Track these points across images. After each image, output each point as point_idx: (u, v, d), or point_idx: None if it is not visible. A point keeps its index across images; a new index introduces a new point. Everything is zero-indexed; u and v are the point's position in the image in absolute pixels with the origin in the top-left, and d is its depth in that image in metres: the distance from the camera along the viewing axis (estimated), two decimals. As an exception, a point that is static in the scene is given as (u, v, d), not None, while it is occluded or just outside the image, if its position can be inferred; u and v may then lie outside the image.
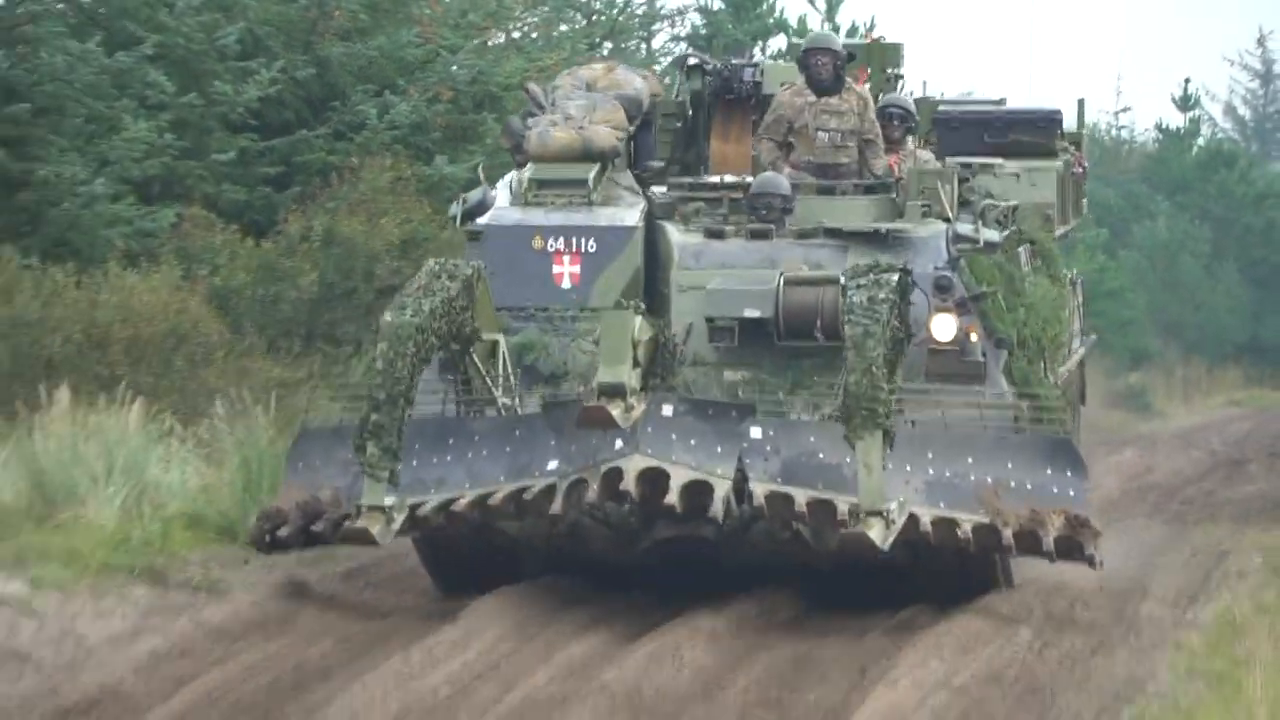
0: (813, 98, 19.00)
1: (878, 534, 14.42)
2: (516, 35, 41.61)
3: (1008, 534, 15.68)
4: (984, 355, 17.17)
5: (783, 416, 16.82)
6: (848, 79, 19.39)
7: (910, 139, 20.42)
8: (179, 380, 23.51)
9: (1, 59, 26.71)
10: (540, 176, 18.46)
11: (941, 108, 23.10)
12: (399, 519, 15.92)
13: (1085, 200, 26.31)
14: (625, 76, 19.69)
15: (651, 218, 17.84)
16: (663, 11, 57.41)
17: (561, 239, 17.73)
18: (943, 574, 17.74)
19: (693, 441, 15.56)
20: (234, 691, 16.59)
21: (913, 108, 20.98)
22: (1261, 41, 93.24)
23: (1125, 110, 77.28)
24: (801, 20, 58.74)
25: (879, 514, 14.36)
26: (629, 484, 14.69)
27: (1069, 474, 16.32)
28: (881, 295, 15.40)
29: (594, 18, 50.19)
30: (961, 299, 16.99)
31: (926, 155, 20.01)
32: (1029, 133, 22.24)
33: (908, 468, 15.89)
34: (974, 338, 17.01)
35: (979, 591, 18.00)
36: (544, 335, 17.44)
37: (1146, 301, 64.06)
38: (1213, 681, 21.15)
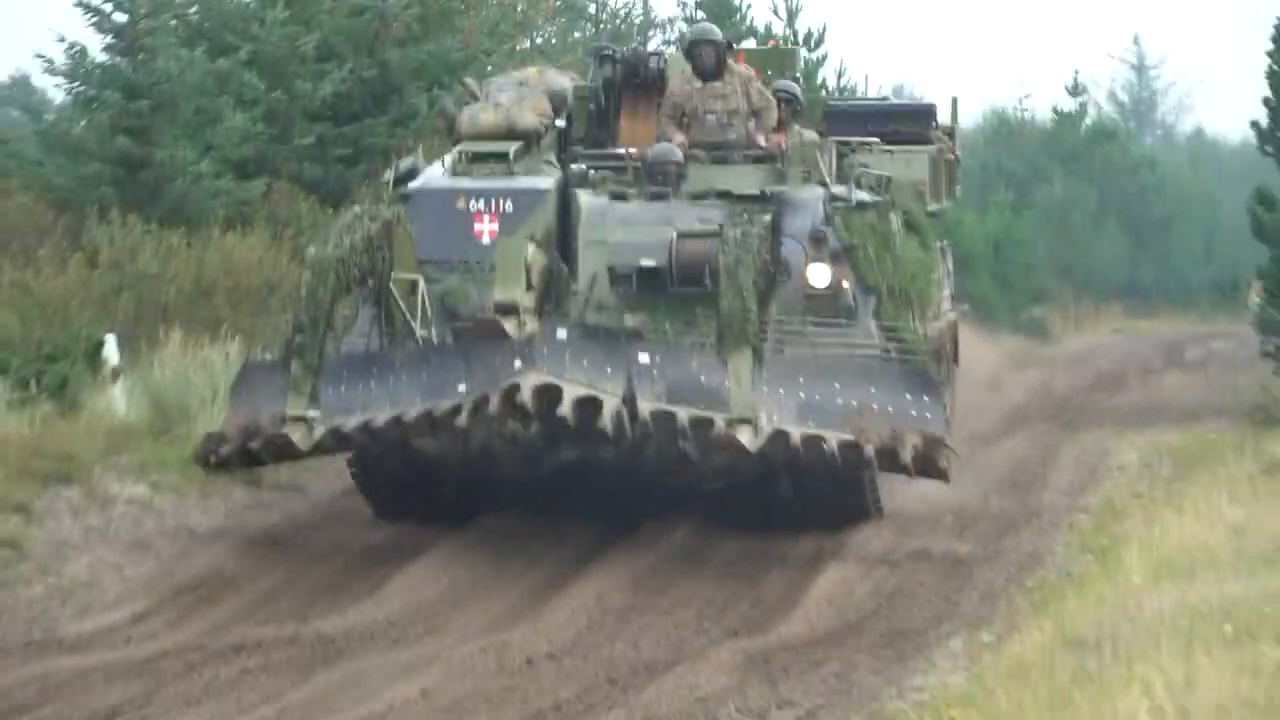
0: (699, 84, 18.78)
1: (747, 438, 14.46)
2: (539, 41, 41.97)
3: (869, 450, 15.40)
4: (854, 300, 17.02)
5: (668, 345, 16.55)
6: (730, 62, 19.12)
7: (797, 120, 19.94)
8: (270, 321, 23.21)
9: (126, 65, 27.28)
10: (468, 149, 18.30)
11: (832, 103, 23.28)
12: (320, 429, 15.69)
13: (959, 185, 25.86)
14: (553, 76, 19.62)
15: (566, 186, 17.60)
16: (655, 20, 57.02)
17: (481, 200, 17.56)
18: (819, 501, 17.59)
19: (585, 362, 15.39)
20: (314, 571, 17.23)
21: (798, 91, 20.57)
22: (1136, 40, 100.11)
23: (1028, 97, 78.71)
24: (768, 28, 58.31)
25: (748, 421, 14.43)
26: (525, 398, 14.58)
27: (926, 399, 16.05)
28: (753, 231, 15.59)
29: (601, 25, 49.84)
30: (835, 251, 16.92)
31: (810, 133, 19.44)
32: (906, 123, 22.21)
33: (781, 391, 15.71)
34: (845, 284, 16.89)
35: (854, 518, 18.05)
36: (464, 284, 17.20)
37: (1045, 249, 64.70)
38: (1099, 555, 21.39)
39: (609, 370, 15.26)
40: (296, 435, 15.43)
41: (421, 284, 16.59)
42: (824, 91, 54.17)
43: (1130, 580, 17.86)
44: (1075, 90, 75.14)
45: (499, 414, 14.81)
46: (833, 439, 15.13)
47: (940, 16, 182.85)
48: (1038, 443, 34.72)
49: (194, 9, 29.94)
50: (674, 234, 16.63)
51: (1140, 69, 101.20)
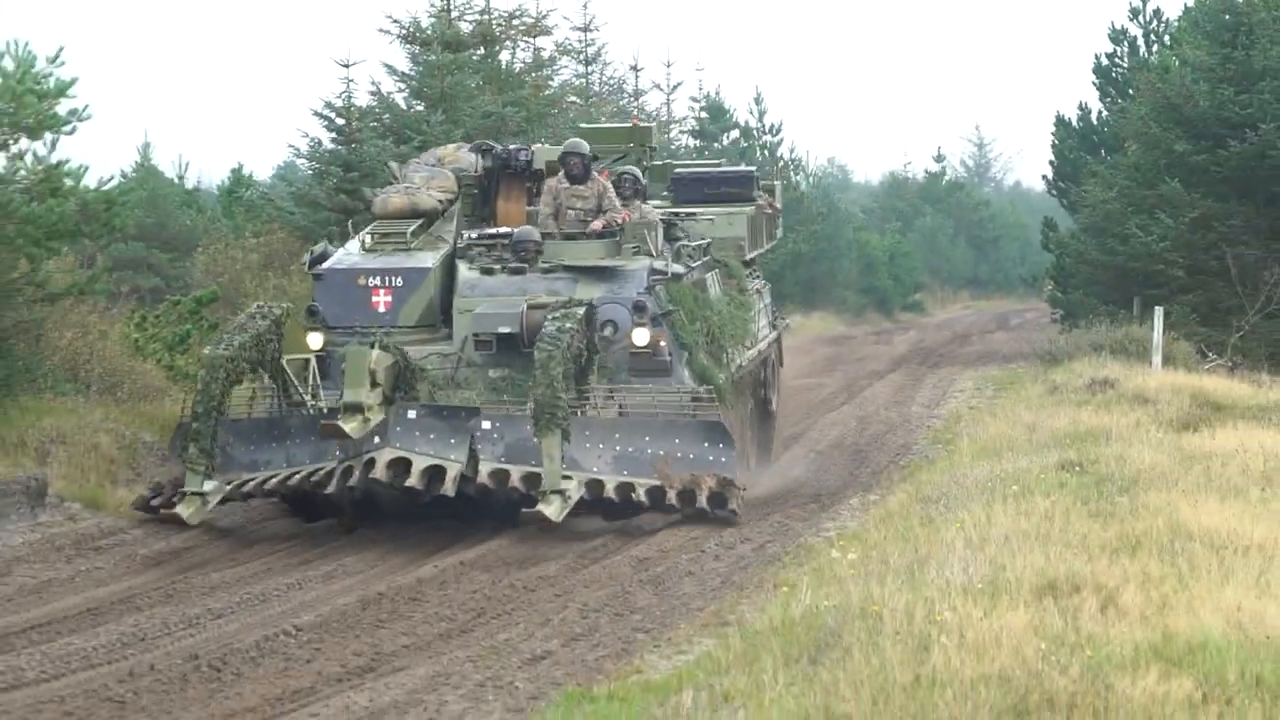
0: (567, 184, 16.55)
1: (553, 510, 12.93)
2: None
3: (672, 494, 13.78)
4: (670, 356, 15.03)
5: (506, 414, 14.63)
6: (594, 172, 16.82)
7: (638, 197, 17.14)
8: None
9: (345, 150, 25.59)
10: (377, 231, 16.09)
11: (677, 170, 20.47)
12: (213, 501, 13.90)
13: (779, 230, 23.25)
14: (465, 155, 17.27)
15: (452, 259, 15.63)
16: (674, 117, 53.70)
17: (377, 277, 15.34)
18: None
19: (432, 436, 13.81)
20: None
21: (639, 175, 17.69)
22: (977, 127, 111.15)
23: (909, 163, 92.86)
24: (746, 123, 57.39)
25: (559, 493, 12.94)
26: (379, 471, 13.21)
27: (721, 446, 14.16)
28: (567, 325, 13.77)
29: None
30: (654, 316, 14.85)
31: (649, 208, 17.21)
32: (733, 186, 19.32)
33: (600, 446, 14.11)
34: (663, 344, 14.89)
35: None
36: (363, 346, 14.52)
37: (921, 258, 67.67)
38: (944, 444, 22.29)
39: (453, 441, 13.77)
40: (188, 511, 13.65)
41: (313, 361, 14.70)
42: (780, 163, 56.10)
43: (961, 460, 18.42)
44: (939, 158, 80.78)
45: (359, 483, 13.50)
46: (641, 485, 13.75)
47: (857, 111, 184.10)
48: (910, 376, 36.42)
49: (385, 115, 27.78)
50: (525, 305, 14.85)
51: (980, 144, 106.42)
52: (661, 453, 13.97)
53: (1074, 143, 40.50)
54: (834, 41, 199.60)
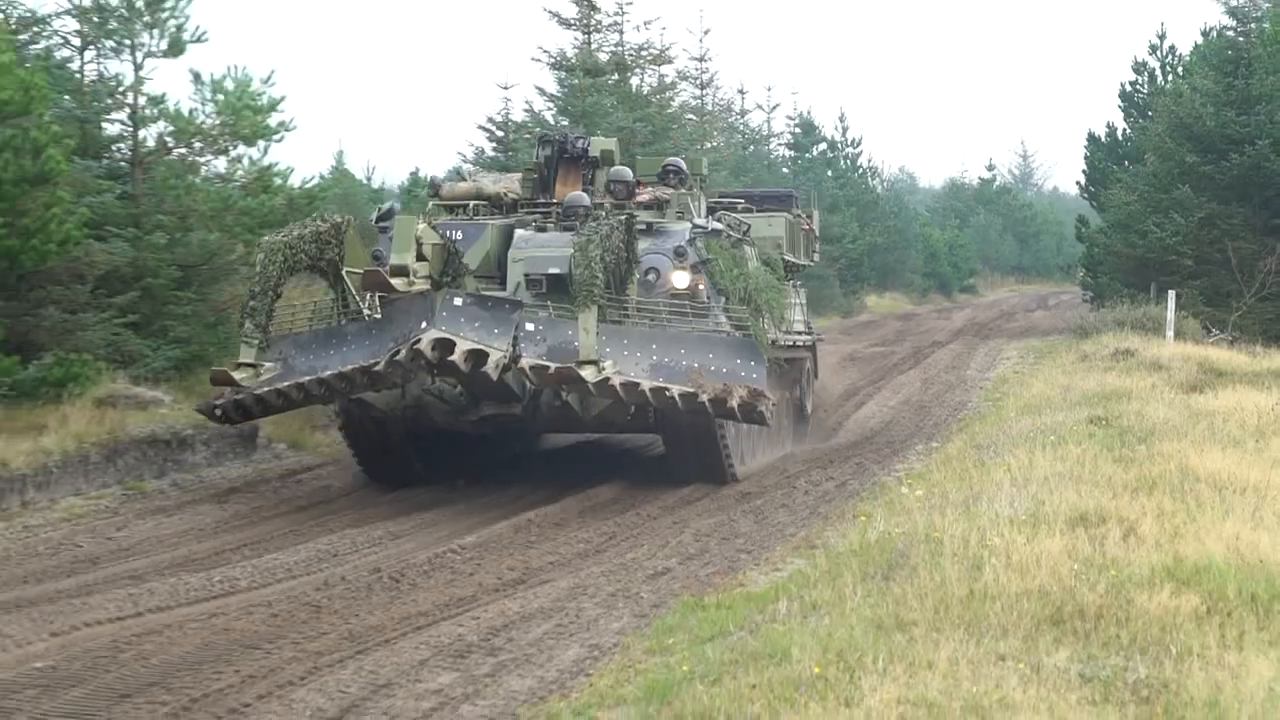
0: (611, 204, 14.69)
1: (589, 374, 11.65)
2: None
3: (704, 398, 12.35)
4: (708, 298, 13.71)
5: (549, 317, 13.15)
6: (635, 191, 14.95)
7: (682, 185, 15.39)
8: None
9: (503, 156, 23.65)
10: (441, 204, 14.86)
11: (723, 191, 18.54)
12: (265, 374, 12.49)
13: (816, 254, 20.50)
14: (528, 173, 15.64)
15: (511, 227, 14.04)
16: (774, 131, 54.06)
17: (437, 232, 13.64)
18: (684, 456, 13.83)
19: (477, 324, 12.28)
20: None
21: (683, 164, 15.93)
22: (1022, 141, 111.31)
23: (965, 171, 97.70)
24: (832, 137, 53.39)
25: (592, 363, 11.56)
26: (424, 349, 11.68)
27: (752, 363, 12.77)
28: (606, 227, 12.43)
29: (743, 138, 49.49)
30: (694, 263, 13.58)
31: (702, 197, 16.07)
32: (772, 204, 17.62)
33: (638, 354, 12.60)
34: (701, 287, 13.62)
35: (714, 479, 13.89)
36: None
37: (976, 249, 68.62)
38: (993, 402, 21.70)
39: (496, 331, 12.31)
40: (240, 375, 12.51)
41: (369, 296, 13.53)
42: (858, 173, 54.60)
43: (1008, 414, 18.48)
44: (990, 167, 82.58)
45: (406, 362, 12.01)
46: (675, 389, 12.34)
47: (924, 127, 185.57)
48: (966, 345, 36.10)
49: (536, 129, 24.86)
50: (572, 249, 13.57)
51: (1024, 155, 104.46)
52: (696, 365, 12.69)
53: (1102, 155, 41.34)
54: (906, 68, 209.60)
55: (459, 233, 13.94)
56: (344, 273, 13.42)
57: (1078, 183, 44.95)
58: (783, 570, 11.30)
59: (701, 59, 44.22)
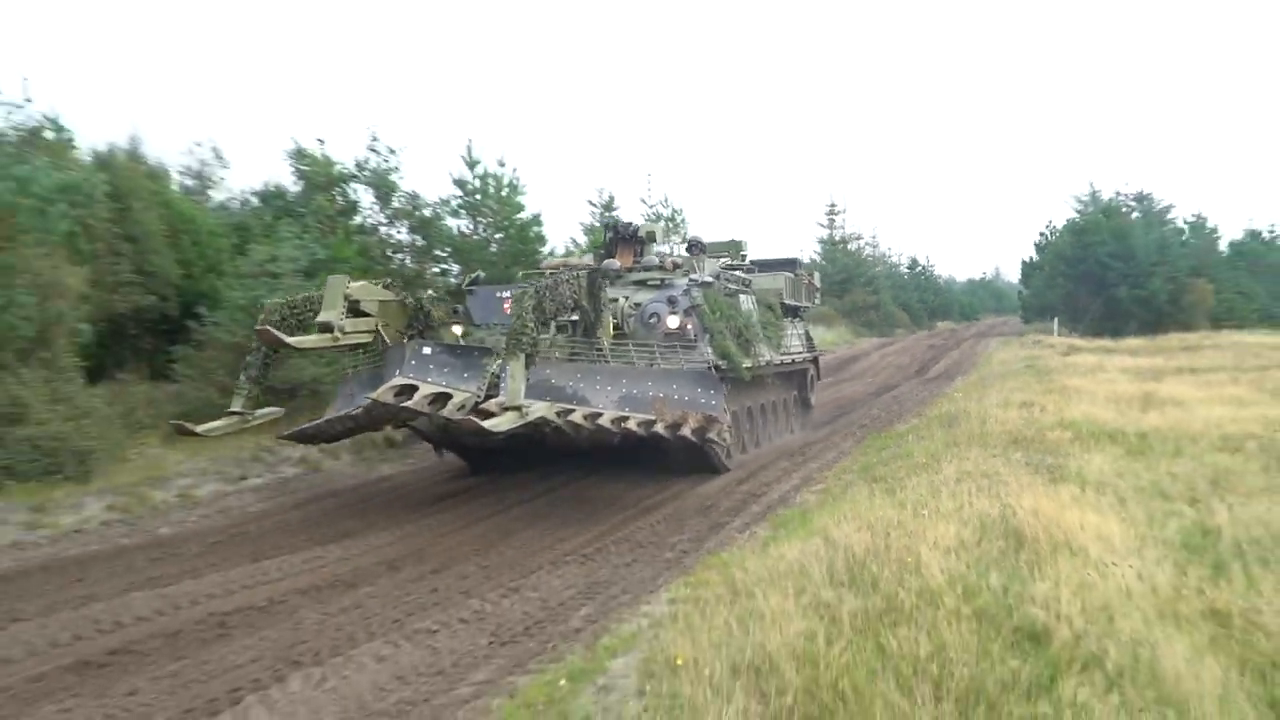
0: (632, 264, 13.74)
1: (496, 422, 8.42)
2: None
3: (660, 426, 10.08)
4: (695, 336, 11.57)
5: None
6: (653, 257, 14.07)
7: (703, 254, 14.68)
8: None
9: (419, 233, 18.65)
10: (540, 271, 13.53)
11: (750, 259, 16.31)
12: (252, 421, 10.03)
13: (818, 298, 18.13)
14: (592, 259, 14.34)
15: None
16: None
17: (506, 291, 11.94)
18: (684, 459, 11.51)
19: (446, 369, 10.15)
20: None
21: (702, 240, 15.27)
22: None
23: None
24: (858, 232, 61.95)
25: (516, 409, 8.50)
26: (386, 396, 9.25)
27: (711, 391, 10.53)
28: (546, 283, 9.73)
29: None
30: (687, 308, 11.65)
31: (711, 261, 14.44)
32: (780, 267, 15.96)
33: (609, 388, 10.41)
34: (689, 327, 11.57)
35: (708, 470, 11.79)
36: (493, 335, 11.27)
37: (983, 301, 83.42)
38: (986, 360, 25.28)
39: (466, 375, 10.04)
40: (216, 422, 9.84)
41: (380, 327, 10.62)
42: (865, 254, 56.22)
43: (993, 366, 21.46)
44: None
45: (373, 407, 9.53)
46: (634, 419, 9.98)
47: (936, 215, 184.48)
48: (975, 340, 40.56)
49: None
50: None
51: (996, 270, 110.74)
52: (660, 395, 10.43)
53: (1030, 266, 47.92)
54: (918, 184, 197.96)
55: (506, 292, 12.00)
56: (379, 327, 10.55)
57: (1021, 272, 50.81)
58: (908, 424, 13.96)
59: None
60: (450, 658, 5.75)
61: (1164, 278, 40.54)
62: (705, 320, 11.84)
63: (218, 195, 17.63)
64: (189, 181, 17.18)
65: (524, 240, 19.67)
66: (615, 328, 11.56)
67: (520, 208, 19.73)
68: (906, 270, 64.45)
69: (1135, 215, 45.33)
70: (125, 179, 13.41)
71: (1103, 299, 40.90)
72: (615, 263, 13.13)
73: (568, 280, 10.18)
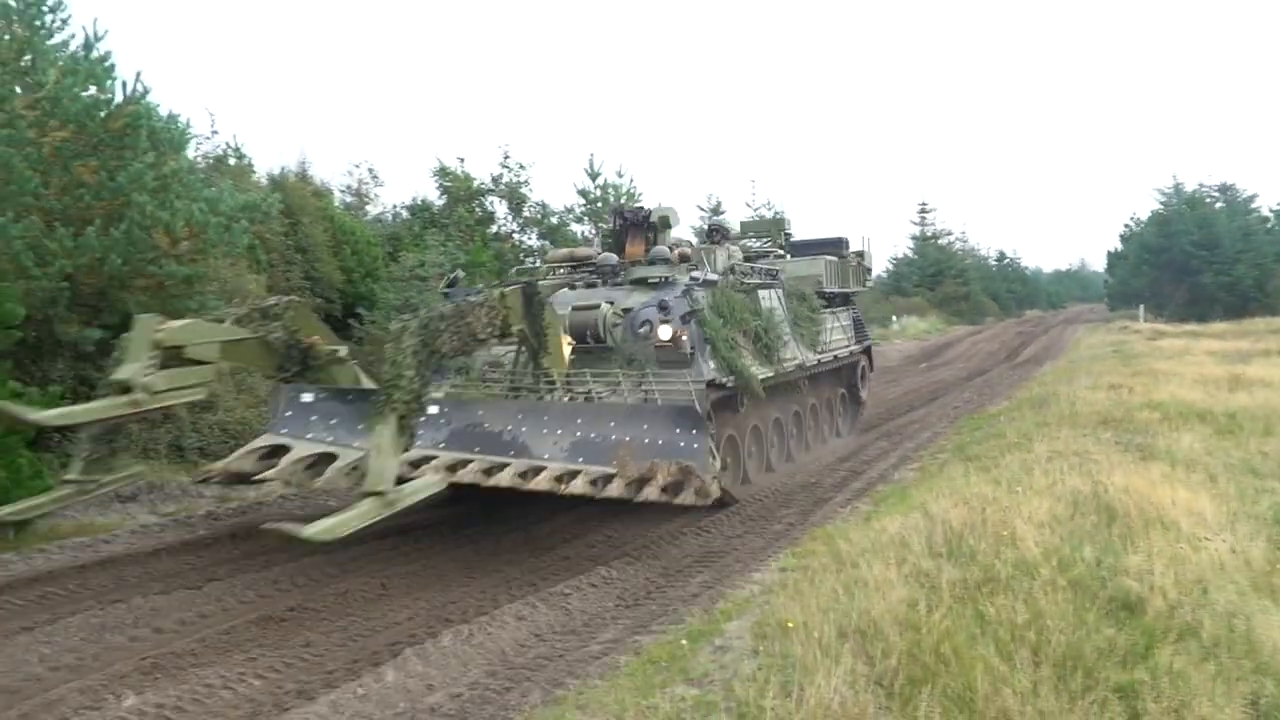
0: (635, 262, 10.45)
1: (314, 528, 5.32)
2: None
3: (618, 484, 6.85)
4: (692, 349, 8.60)
5: (458, 397, 7.97)
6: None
7: (726, 240, 11.51)
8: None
9: (548, 239, 18.12)
10: (547, 265, 10.98)
11: (793, 240, 13.39)
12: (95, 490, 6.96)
13: (868, 280, 14.18)
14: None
15: (558, 287, 9.32)
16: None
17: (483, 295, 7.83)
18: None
19: (333, 420, 7.46)
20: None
21: (724, 225, 11.92)
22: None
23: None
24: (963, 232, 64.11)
25: (378, 494, 5.68)
26: (243, 462, 7.34)
27: (693, 431, 7.12)
28: (471, 303, 7.05)
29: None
30: (684, 314, 8.69)
31: (734, 248, 11.42)
32: (828, 249, 12.79)
33: (559, 432, 7.28)
34: (684, 338, 8.55)
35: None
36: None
37: (1069, 290, 78.43)
38: (1074, 346, 23.92)
39: (360, 427, 7.05)
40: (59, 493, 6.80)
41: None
42: (955, 248, 52.61)
43: (1081, 350, 20.64)
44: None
45: (230, 476, 7.54)
46: (580, 480, 6.92)
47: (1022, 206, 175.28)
48: (1062, 327, 38.89)
49: None
50: (570, 308, 8.94)
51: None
52: (627, 438, 7.12)
53: (1114, 255, 46.47)
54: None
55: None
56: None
57: (1106, 262, 49.24)
58: (999, 407, 13.31)
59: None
60: (581, 618, 5.79)
61: (1249, 264, 38.58)
62: (708, 328, 8.94)
63: (373, 209, 17.97)
64: (349, 198, 17.81)
65: (644, 243, 20.05)
66: (595, 343, 8.66)
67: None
68: (995, 263, 62.69)
69: (1219, 205, 43.04)
70: (295, 197, 13.93)
71: (1187, 285, 39.20)
72: (612, 257, 10.26)
73: (482, 304, 7.04)
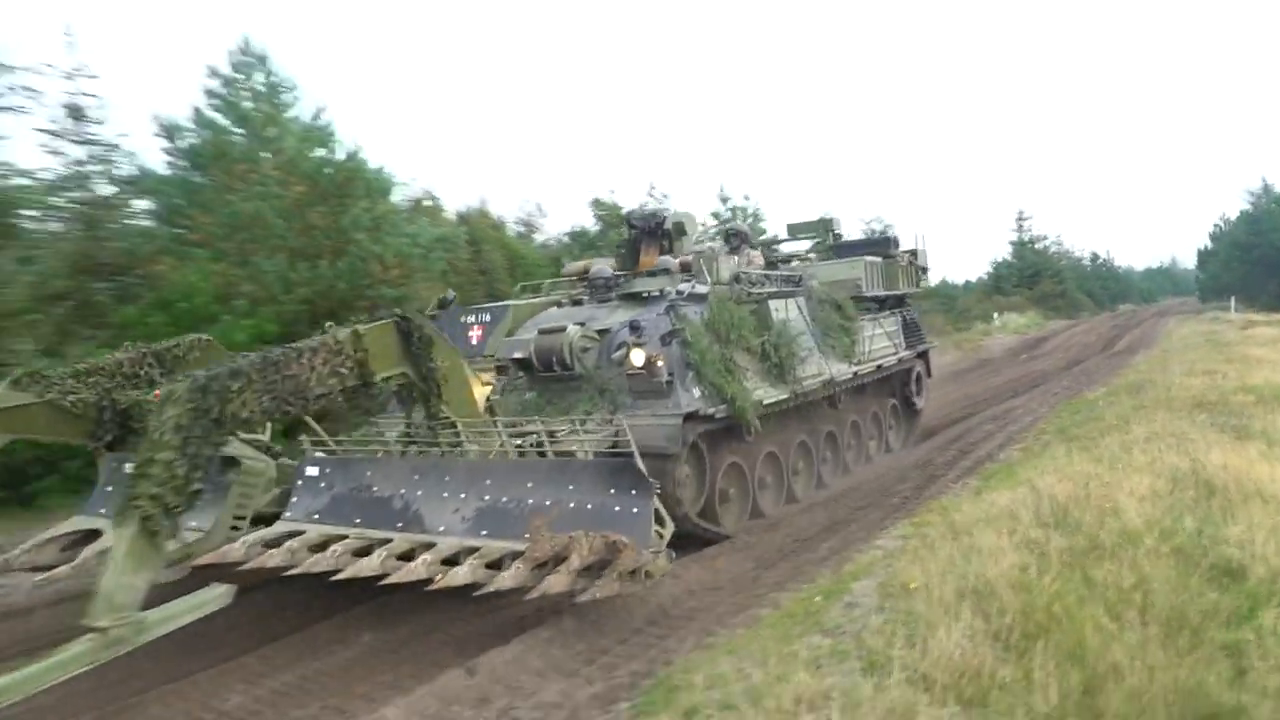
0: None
1: (26, 676, 2.84)
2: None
3: (516, 569, 4.16)
4: (670, 376, 6.24)
5: (341, 456, 5.40)
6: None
7: (745, 245, 8.95)
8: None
9: None
10: (560, 279, 8.98)
11: (841, 239, 10.89)
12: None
13: (922, 279, 11.13)
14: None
15: (546, 305, 7.78)
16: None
17: (473, 315, 7.31)
18: None
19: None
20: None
21: (745, 229, 9.20)
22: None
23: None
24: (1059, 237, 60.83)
25: (98, 633, 3.00)
26: (42, 553, 5.10)
27: (632, 492, 4.47)
28: (295, 350, 4.27)
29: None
30: (663, 334, 6.48)
31: (755, 254, 9.12)
32: (875, 247, 10.34)
33: (463, 495, 4.82)
34: (660, 364, 6.16)
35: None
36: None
37: (1158, 286, 74.24)
38: (1167, 336, 22.28)
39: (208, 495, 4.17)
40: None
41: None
42: (1051, 251, 47.71)
43: (1174, 341, 19.43)
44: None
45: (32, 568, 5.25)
46: (487, 551, 4.44)
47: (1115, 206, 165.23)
48: (1154, 318, 35.52)
49: None
50: (536, 331, 6.77)
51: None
52: (548, 502, 4.68)
53: (1206, 253, 44.73)
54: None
55: (487, 315, 7.49)
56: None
57: (1197, 259, 47.63)
58: (1096, 393, 12.40)
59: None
60: (726, 576, 5.79)
61: (1340, 258, 35.75)
62: (691, 350, 6.58)
63: (540, 236, 18.34)
64: (520, 228, 18.19)
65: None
66: (561, 370, 6.50)
67: (762, 232, 20.37)
68: (1089, 263, 59.25)
69: (1308, 204, 39.77)
70: (478, 229, 14.52)
71: (1279, 280, 36.33)
72: (606, 269, 8.13)
73: (316, 348, 4.46)
